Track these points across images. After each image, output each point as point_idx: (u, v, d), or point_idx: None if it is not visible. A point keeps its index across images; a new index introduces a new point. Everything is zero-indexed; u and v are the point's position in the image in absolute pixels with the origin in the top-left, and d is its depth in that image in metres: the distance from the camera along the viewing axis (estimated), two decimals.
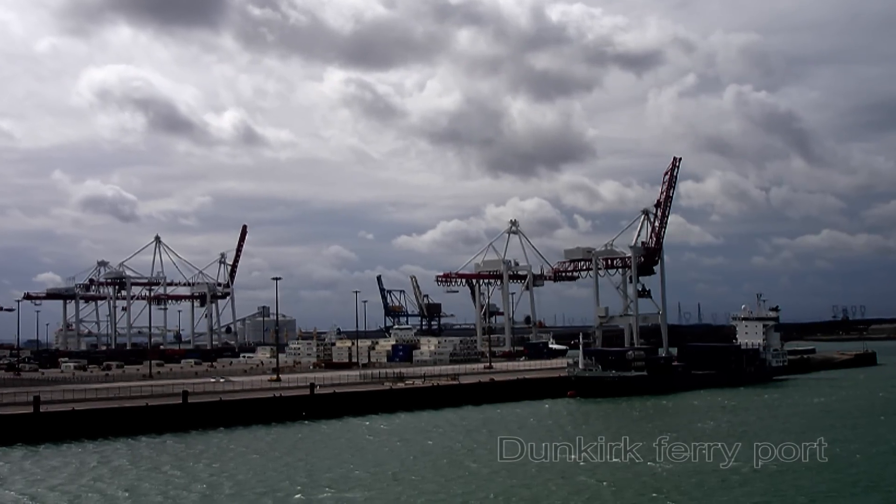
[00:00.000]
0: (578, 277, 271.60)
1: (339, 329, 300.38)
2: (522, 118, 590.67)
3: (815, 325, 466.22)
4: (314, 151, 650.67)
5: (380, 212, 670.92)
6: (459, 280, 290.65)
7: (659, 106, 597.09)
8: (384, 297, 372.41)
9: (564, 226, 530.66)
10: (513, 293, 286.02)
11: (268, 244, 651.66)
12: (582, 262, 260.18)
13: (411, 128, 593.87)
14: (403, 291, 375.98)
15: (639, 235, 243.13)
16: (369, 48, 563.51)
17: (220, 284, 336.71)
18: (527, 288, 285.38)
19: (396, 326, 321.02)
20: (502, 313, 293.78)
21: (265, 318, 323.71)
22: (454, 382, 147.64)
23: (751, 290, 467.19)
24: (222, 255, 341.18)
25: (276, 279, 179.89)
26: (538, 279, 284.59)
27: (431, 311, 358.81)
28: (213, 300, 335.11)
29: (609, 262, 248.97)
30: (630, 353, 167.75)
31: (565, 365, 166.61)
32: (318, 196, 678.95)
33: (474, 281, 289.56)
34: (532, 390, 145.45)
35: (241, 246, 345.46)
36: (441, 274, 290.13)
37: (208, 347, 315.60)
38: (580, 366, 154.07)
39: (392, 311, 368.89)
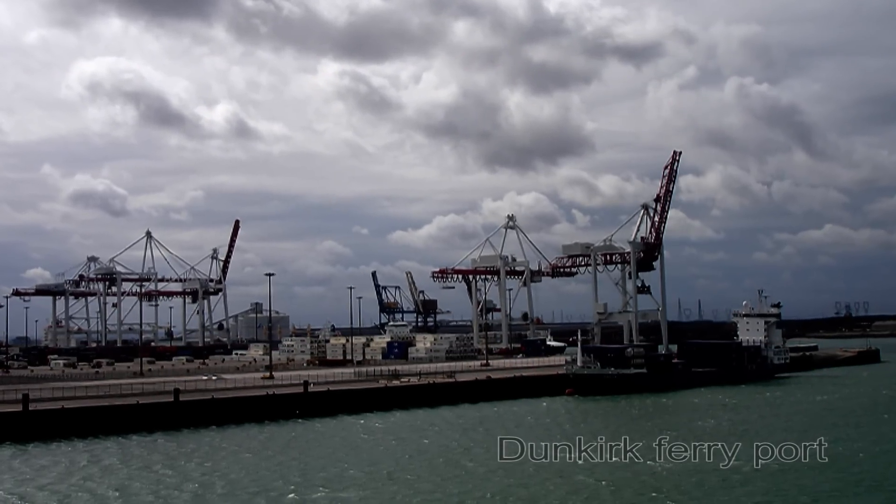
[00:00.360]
0: (577, 273, 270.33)
1: (333, 326, 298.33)
2: (520, 111, 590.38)
3: (817, 321, 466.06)
4: (308, 145, 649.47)
5: (375, 206, 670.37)
6: (456, 276, 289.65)
7: (659, 99, 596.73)
8: (379, 294, 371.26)
9: (562, 221, 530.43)
10: (510, 289, 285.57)
11: (261, 239, 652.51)
12: (580, 258, 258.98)
13: (407, 121, 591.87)
14: (399, 287, 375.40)
15: (638, 230, 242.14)
16: (364, 40, 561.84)
17: (212, 280, 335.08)
18: (524, 284, 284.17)
19: (391, 323, 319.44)
20: (499, 310, 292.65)
21: (258, 315, 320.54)
22: (450, 380, 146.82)
23: (752, 285, 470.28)
24: (214, 251, 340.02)
25: (270, 275, 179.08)
26: (536, 275, 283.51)
27: (427, 307, 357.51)
28: (205, 296, 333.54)
29: (608, 257, 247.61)
30: (629, 350, 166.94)
31: (563, 362, 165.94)
32: (312, 190, 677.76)
33: (471, 277, 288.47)
34: (530, 388, 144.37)
35: (234, 241, 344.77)
36: (437, 269, 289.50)
37: (200, 344, 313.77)
38: (578, 363, 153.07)
39: (387, 308, 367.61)
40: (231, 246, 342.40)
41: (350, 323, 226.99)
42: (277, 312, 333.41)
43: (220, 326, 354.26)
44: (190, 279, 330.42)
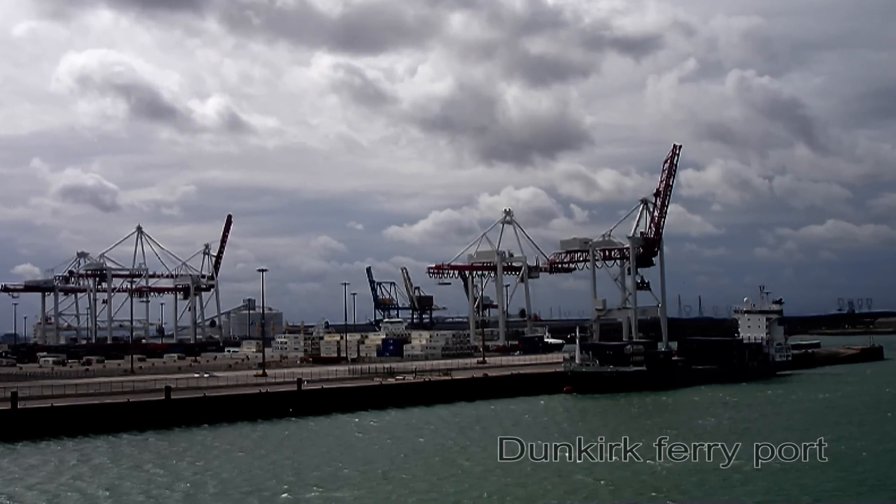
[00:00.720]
0: (575, 269, 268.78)
1: (327, 322, 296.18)
2: (517, 105, 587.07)
3: (819, 318, 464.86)
4: (302, 139, 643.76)
5: (370, 201, 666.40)
6: (452, 272, 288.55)
7: (658, 92, 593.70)
8: (374, 290, 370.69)
9: (560, 216, 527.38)
10: (507, 285, 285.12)
11: (254, 235, 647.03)
12: (579, 254, 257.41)
13: (402, 115, 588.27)
14: (394, 284, 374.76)
15: (637, 226, 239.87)
16: (359, 32, 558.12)
17: (204, 276, 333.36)
18: (521, 280, 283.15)
19: (386, 320, 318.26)
20: (496, 306, 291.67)
21: (251, 312, 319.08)
22: (446, 378, 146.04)
23: (753, 282, 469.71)
24: (206, 247, 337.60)
25: (263, 271, 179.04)
26: (533, 271, 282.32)
27: (423, 303, 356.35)
28: (196, 293, 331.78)
29: (607, 253, 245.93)
30: (628, 347, 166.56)
31: (561, 360, 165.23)
32: (306, 185, 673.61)
33: (467, 273, 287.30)
34: (527, 386, 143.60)
35: (226, 237, 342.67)
36: (433, 265, 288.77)
37: (192, 342, 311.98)
38: (577, 360, 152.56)
39: (382, 304, 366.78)
40: (223, 241, 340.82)
41: (344, 320, 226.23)
42: (270, 309, 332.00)
43: (213, 323, 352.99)
44: (181, 275, 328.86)
